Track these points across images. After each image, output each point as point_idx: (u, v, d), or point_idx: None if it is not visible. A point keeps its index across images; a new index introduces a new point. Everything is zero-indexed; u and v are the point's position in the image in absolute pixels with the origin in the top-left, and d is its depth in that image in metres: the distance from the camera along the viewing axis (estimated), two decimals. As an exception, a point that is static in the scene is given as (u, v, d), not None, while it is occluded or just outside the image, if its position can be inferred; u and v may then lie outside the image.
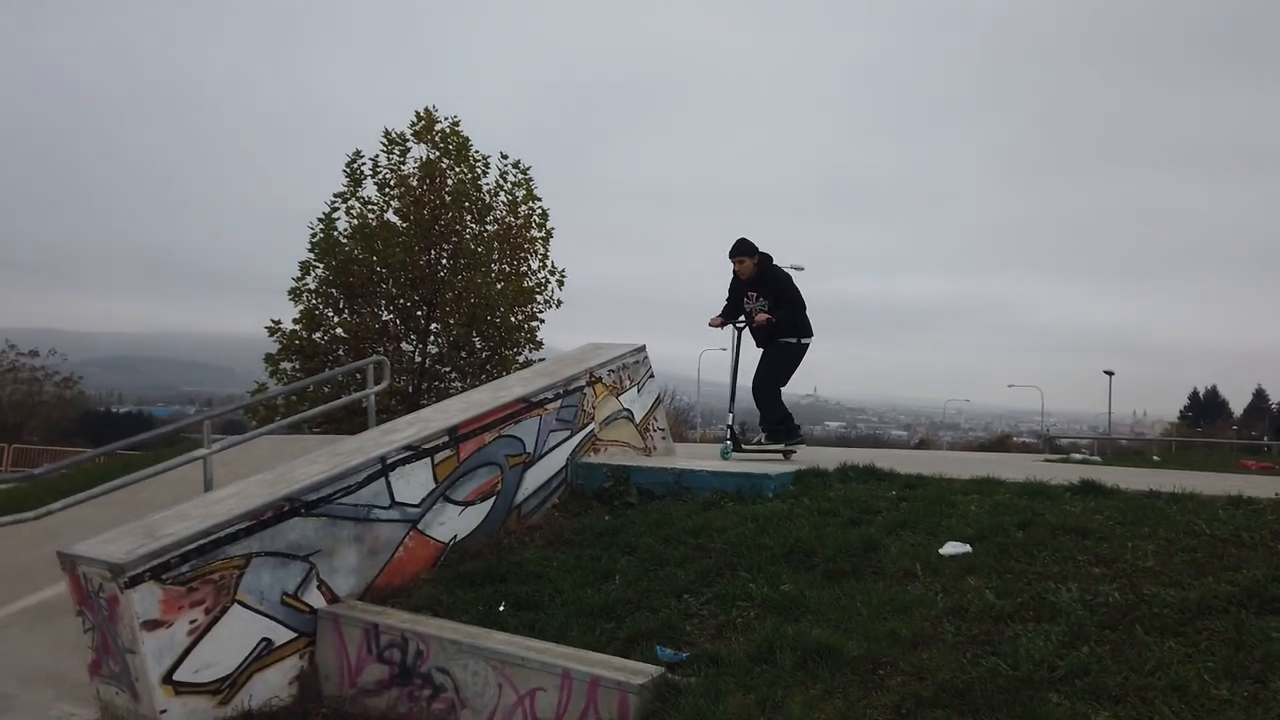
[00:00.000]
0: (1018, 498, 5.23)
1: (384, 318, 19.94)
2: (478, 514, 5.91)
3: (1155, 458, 13.86)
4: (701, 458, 7.59)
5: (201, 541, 4.52)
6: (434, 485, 5.66)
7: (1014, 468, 7.49)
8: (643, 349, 7.58)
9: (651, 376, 7.64)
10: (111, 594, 4.32)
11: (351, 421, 14.86)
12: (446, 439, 5.78)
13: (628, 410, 7.32)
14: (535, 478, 6.35)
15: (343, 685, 4.71)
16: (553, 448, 6.54)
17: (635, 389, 7.42)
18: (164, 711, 4.27)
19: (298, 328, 18.99)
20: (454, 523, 5.75)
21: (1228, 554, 3.99)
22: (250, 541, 4.71)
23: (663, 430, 7.68)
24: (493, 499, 6.01)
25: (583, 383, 6.88)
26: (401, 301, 20.02)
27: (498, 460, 6.11)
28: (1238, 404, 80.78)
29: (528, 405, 6.38)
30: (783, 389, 7.98)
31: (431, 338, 20.11)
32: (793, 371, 7.96)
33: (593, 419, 6.93)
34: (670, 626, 4.39)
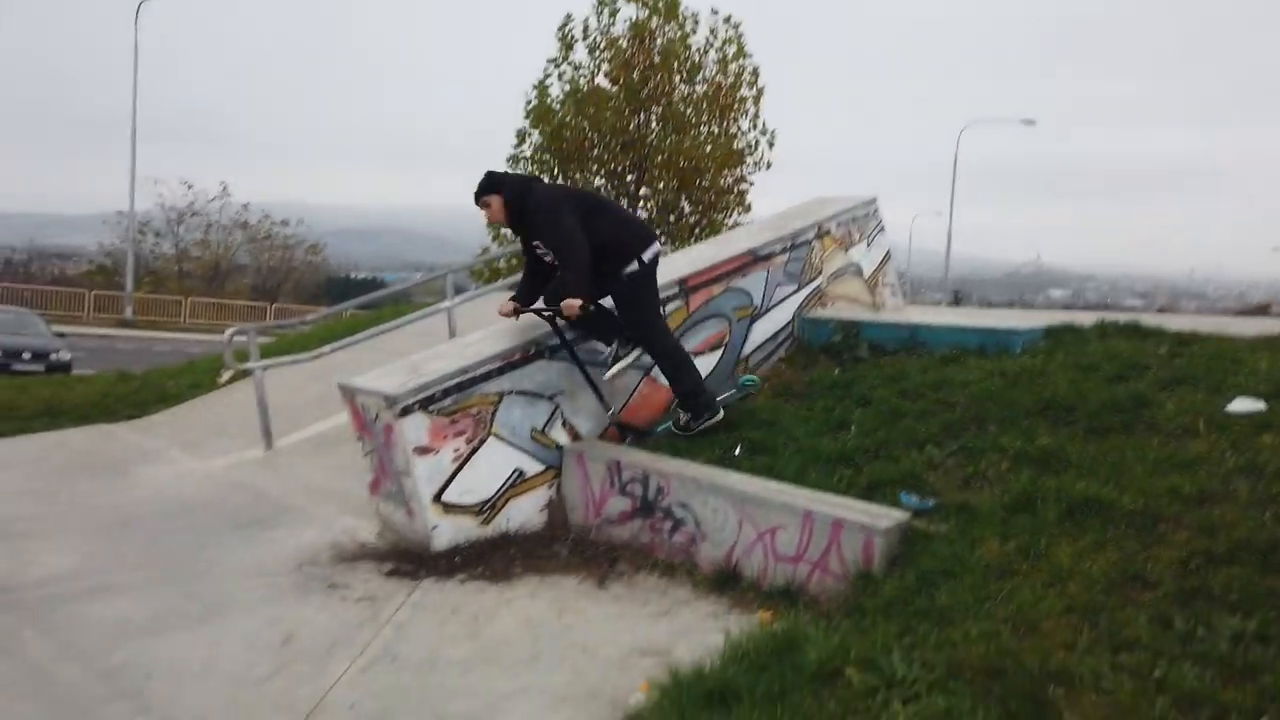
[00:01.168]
0: (1321, 356, 4.62)
1: (595, 183, 20.21)
2: (706, 364, 5.95)
3: None
4: (935, 313, 7.23)
5: (460, 379, 4.84)
6: (667, 335, 5.73)
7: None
8: (873, 201, 7.22)
9: (882, 230, 7.29)
10: (387, 422, 4.75)
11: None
12: (676, 290, 5.81)
13: (856, 264, 7.05)
14: (762, 331, 6.30)
15: (587, 515, 4.99)
16: (779, 301, 6.44)
17: (864, 243, 7.11)
18: (435, 527, 4.71)
19: (516, 194, 19.67)
20: (685, 372, 5.83)
21: None
22: (502, 380, 5.00)
23: (892, 286, 7.37)
24: (720, 350, 6.03)
25: (810, 236, 6.67)
26: (612, 166, 20.16)
27: (725, 313, 6.10)
28: None
29: (754, 258, 6.27)
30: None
31: (641, 202, 20.24)
32: (653, 303, 5.30)
33: (820, 273, 6.73)
34: (913, 475, 4.29)
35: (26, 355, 15.68)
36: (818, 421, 5.11)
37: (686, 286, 5.86)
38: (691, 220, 20.41)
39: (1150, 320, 5.82)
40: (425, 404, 4.71)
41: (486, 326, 5.70)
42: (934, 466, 4.36)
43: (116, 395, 8.98)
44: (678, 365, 5.31)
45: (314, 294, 47.75)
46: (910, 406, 5.00)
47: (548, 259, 5.14)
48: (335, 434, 6.88)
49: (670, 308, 5.76)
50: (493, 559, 4.64)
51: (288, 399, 7.68)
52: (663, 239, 20.53)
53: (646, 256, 5.19)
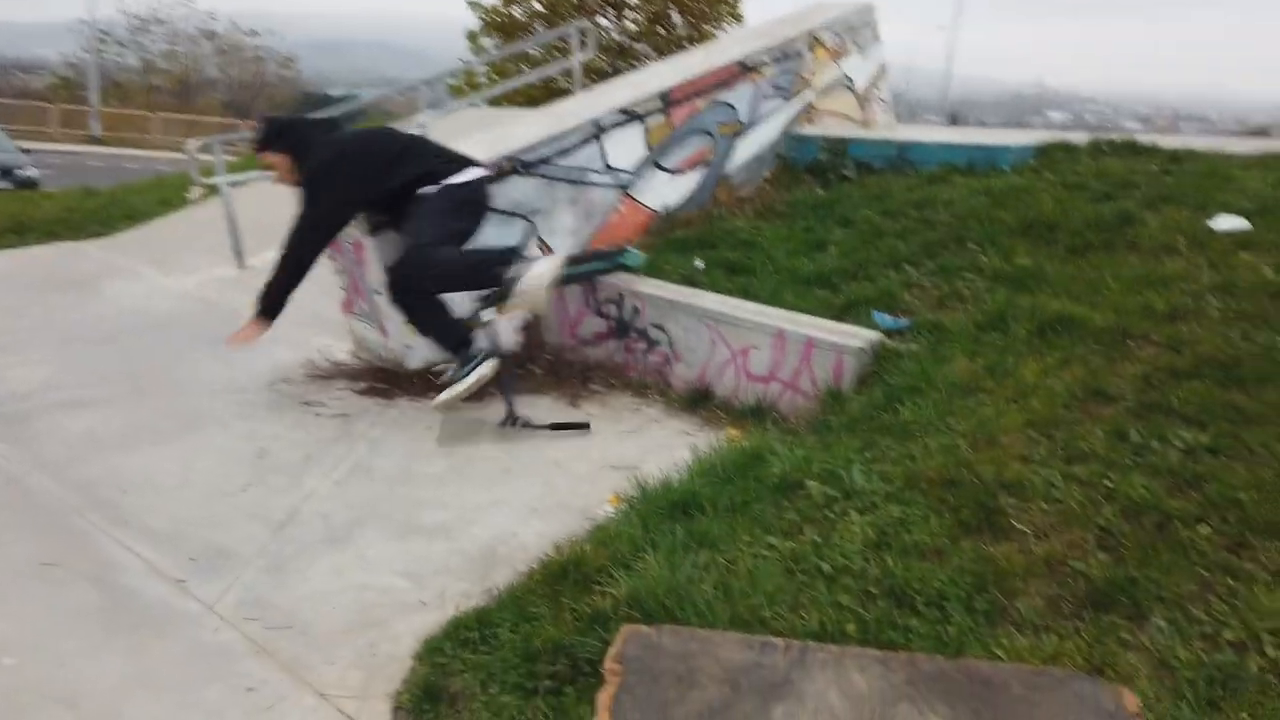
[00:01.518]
0: (1315, 174, 4.50)
1: (583, -8, 19.09)
2: (688, 183, 5.79)
3: None
4: (927, 130, 6.99)
5: (431, 193, 4.68)
6: (646, 151, 5.53)
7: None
8: (870, 8, 6.81)
9: (877, 40, 6.92)
10: (356, 239, 4.63)
11: (552, 100, 14.79)
12: (659, 103, 5.55)
13: (848, 78, 6.73)
14: (747, 147, 6.08)
15: (562, 335, 4.98)
16: (767, 116, 6.18)
17: (859, 54, 6.76)
18: (409, 346, 4.69)
19: (498, 3, 18.60)
20: (664, 190, 5.67)
21: None
22: (472, 197, 4.84)
23: (884, 101, 7.08)
24: (703, 168, 5.84)
25: (802, 46, 6.31)
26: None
27: (709, 128, 5.86)
28: None
29: (743, 69, 5.96)
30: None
31: (628, 10, 19.20)
32: (443, 225, 4.11)
33: (810, 86, 6.43)
34: (888, 295, 4.25)
35: (-9, 171, 15.26)
36: (797, 242, 5.02)
37: (670, 99, 5.59)
38: (681, 33, 19.44)
39: (1147, 139, 5.63)
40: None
41: (464, 139, 5.48)
42: (910, 285, 4.31)
43: (84, 211, 8.74)
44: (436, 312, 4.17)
45: (289, 109, 45.98)
46: (892, 226, 4.90)
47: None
48: (309, 253, 6.76)
49: (652, 122, 5.53)
50: (467, 378, 4.65)
51: (261, 216, 7.44)
52: (652, 52, 19.61)
53: (455, 180, 4.15)
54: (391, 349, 4.78)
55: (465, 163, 4.29)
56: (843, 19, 6.63)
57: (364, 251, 4.63)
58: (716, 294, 4.47)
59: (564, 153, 5.20)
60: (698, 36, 19.41)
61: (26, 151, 17.05)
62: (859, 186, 5.68)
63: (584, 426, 4.00)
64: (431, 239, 3.96)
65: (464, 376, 3.93)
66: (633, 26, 19.32)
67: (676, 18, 19.30)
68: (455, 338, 4.12)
